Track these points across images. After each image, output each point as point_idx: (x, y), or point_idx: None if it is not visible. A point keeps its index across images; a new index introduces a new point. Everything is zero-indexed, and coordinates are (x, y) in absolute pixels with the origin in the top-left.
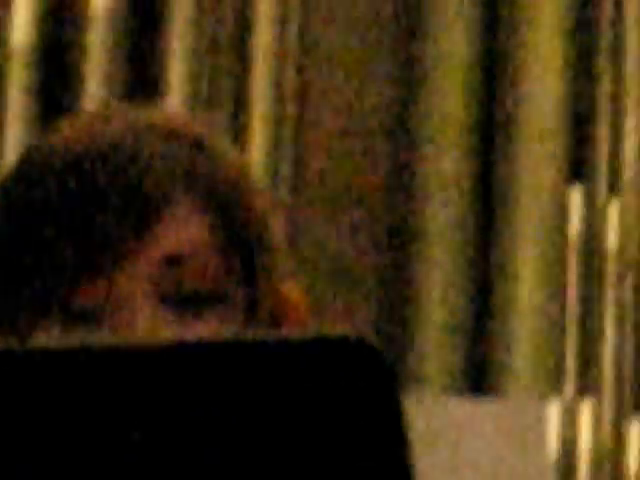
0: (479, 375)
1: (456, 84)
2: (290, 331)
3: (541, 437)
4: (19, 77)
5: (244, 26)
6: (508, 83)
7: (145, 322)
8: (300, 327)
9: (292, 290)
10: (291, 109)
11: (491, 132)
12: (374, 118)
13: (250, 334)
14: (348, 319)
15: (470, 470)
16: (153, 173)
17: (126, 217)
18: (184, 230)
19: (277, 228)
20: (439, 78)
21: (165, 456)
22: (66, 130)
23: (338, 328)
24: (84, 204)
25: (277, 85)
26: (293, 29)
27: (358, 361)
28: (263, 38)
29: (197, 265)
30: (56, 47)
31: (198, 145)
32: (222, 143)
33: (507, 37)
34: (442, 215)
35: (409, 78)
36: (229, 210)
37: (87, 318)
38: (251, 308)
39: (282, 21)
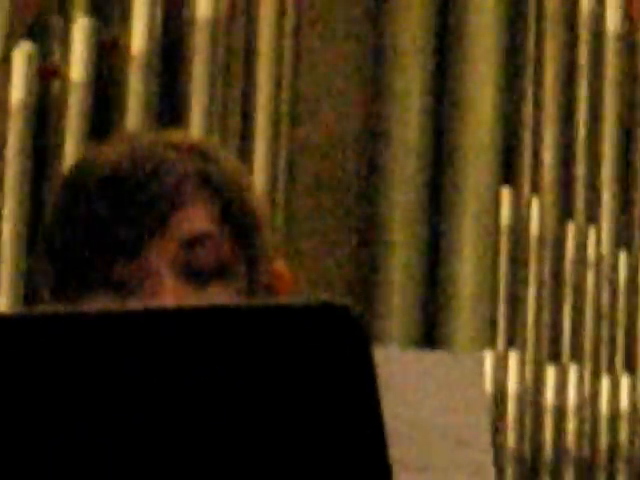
0: (429, 331)
1: (414, 110)
2: (282, 299)
3: (479, 382)
4: (77, 106)
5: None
6: (454, 106)
7: (168, 290)
8: (288, 296)
9: (282, 267)
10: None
11: (441, 145)
12: (349, 133)
13: (246, 302)
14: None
15: (413, 415)
16: (173, 178)
17: (153, 210)
18: (197, 220)
19: (269, 218)
20: (401, 105)
21: (167, 409)
22: (108, 146)
23: (324, 296)
24: (120, 201)
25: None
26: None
27: (340, 323)
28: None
29: (208, 247)
30: (103, 82)
31: (207, 156)
32: (226, 155)
33: (453, 71)
34: (404, 209)
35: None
36: (232, 205)
37: (123, 289)
38: (250, 281)
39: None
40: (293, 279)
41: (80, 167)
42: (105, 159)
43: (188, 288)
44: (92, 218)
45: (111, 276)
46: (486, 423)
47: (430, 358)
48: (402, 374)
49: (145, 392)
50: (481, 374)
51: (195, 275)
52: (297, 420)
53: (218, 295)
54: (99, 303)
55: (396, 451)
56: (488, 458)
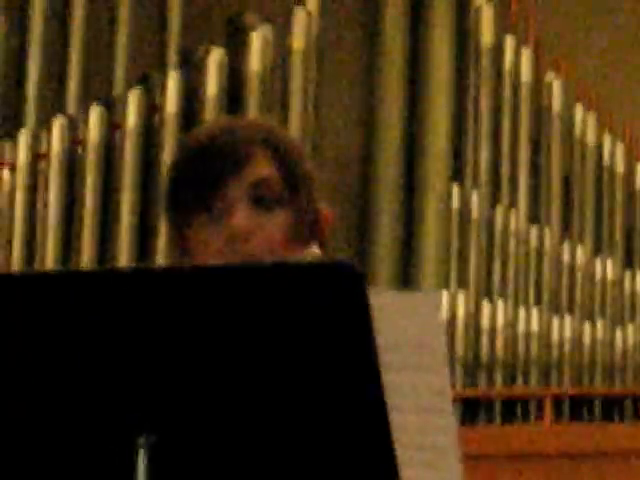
0: (406, 277)
1: (394, 133)
2: (294, 259)
3: (438, 313)
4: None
5: None
6: (418, 119)
7: (241, 213)
8: (327, 231)
9: (325, 209)
10: None
11: (412, 155)
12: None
13: (269, 261)
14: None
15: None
16: (246, 141)
17: (232, 161)
18: (261, 168)
19: (314, 174)
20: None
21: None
22: (207, 124)
23: (331, 257)
24: (211, 155)
25: None
26: None
27: (346, 277)
28: None
29: (268, 186)
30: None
31: (270, 130)
32: (286, 132)
33: (420, 106)
34: (386, 198)
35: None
36: (285, 161)
37: (213, 212)
38: (297, 212)
39: None
40: (332, 217)
41: (188, 136)
42: (203, 130)
43: (255, 212)
44: (193, 166)
45: (204, 203)
46: (444, 345)
47: (401, 296)
48: (381, 310)
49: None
50: (439, 307)
51: (259, 204)
52: (314, 348)
53: (273, 218)
54: (199, 222)
55: None
56: (445, 379)
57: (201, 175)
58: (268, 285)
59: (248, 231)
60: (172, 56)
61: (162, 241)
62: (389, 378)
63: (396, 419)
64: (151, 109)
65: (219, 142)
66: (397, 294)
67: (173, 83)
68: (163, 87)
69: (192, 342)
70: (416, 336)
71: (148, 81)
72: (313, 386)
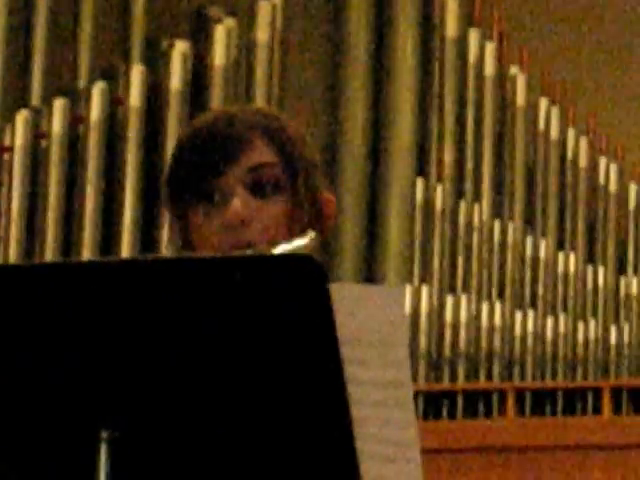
0: (369, 269)
1: (359, 128)
2: (257, 251)
3: (401, 307)
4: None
5: None
6: (383, 112)
7: (239, 200)
8: (330, 218)
9: (329, 195)
10: None
11: (377, 150)
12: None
13: (231, 253)
14: None
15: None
16: (244, 128)
17: (230, 147)
18: (260, 155)
19: (316, 160)
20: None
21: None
22: (206, 113)
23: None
24: (210, 142)
25: None
26: None
27: (306, 272)
28: None
29: (266, 173)
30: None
31: (270, 116)
32: (286, 118)
33: (386, 101)
34: (354, 191)
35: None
36: (285, 147)
37: (211, 200)
38: (295, 198)
39: None
40: (335, 203)
41: (188, 125)
42: (202, 119)
43: (253, 199)
44: (192, 154)
45: (203, 192)
46: (405, 339)
47: (363, 290)
48: (343, 304)
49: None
50: (401, 301)
51: (257, 191)
52: (276, 341)
53: (272, 204)
54: (198, 211)
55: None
56: (406, 373)
57: (199, 164)
58: (228, 278)
59: (245, 218)
60: (136, 49)
61: (127, 233)
62: (350, 372)
63: (357, 412)
64: (115, 102)
65: (217, 130)
66: (359, 288)
67: (137, 76)
68: (127, 80)
69: (153, 335)
70: (378, 330)
71: (112, 74)
72: (274, 380)
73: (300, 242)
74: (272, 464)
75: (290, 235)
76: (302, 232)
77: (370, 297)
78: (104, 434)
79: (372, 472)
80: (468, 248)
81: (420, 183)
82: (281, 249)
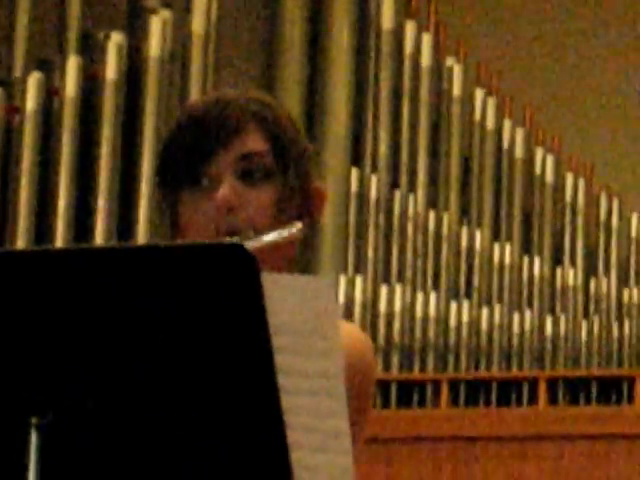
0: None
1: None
2: (243, 238)
3: (332, 301)
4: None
5: None
6: (318, 103)
7: (228, 186)
8: (321, 207)
9: (320, 185)
10: None
11: (311, 139)
12: None
13: (161, 243)
14: None
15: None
16: (236, 114)
17: (221, 133)
18: (251, 142)
19: (307, 149)
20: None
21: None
22: (202, 96)
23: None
24: (202, 127)
25: None
26: None
27: (238, 262)
28: None
29: (257, 160)
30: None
31: (263, 103)
32: (279, 105)
33: (321, 91)
34: None
35: None
36: (276, 135)
37: (201, 185)
38: (285, 186)
39: None
40: (325, 192)
41: (183, 108)
42: (197, 103)
43: (242, 186)
44: (183, 139)
45: (193, 177)
46: (337, 329)
47: (295, 280)
48: (274, 294)
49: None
50: (333, 291)
51: (247, 178)
52: (207, 330)
53: (261, 191)
54: (187, 196)
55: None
56: (337, 363)
57: (190, 149)
58: (159, 267)
59: (233, 204)
60: (72, 40)
61: (61, 221)
62: (281, 361)
63: (287, 402)
64: (51, 92)
65: (209, 115)
66: (290, 278)
67: (73, 67)
68: (63, 71)
69: (83, 323)
70: (308, 320)
71: (48, 65)
72: (205, 369)
73: (284, 232)
74: (203, 453)
75: (278, 224)
76: (290, 221)
77: (301, 287)
78: (34, 420)
79: (303, 462)
80: (403, 238)
81: (355, 173)
82: (266, 237)
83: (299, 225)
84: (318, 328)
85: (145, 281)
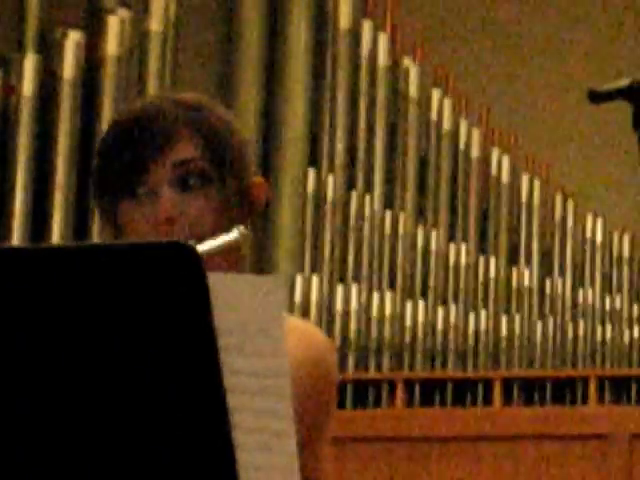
0: (260, 256)
1: (252, 124)
2: (132, 241)
3: (279, 301)
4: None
5: None
6: (276, 103)
7: (164, 196)
8: (262, 200)
9: (259, 179)
10: None
11: (269, 140)
12: None
13: (107, 243)
14: None
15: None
16: (170, 122)
17: (156, 142)
18: (186, 150)
19: (248, 151)
20: None
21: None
22: (135, 102)
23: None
24: (136, 137)
25: None
26: None
27: (183, 261)
28: None
29: (192, 168)
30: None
31: (197, 108)
32: (215, 108)
33: (279, 95)
34: None
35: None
36: (212, 141)
37: (137, 196)
38: (222, 192)
39: None
40: (266, 187)
41: (115, 116)
42: (129, 110)
43: (178, 195)
44: (118, 149)
45: (129, 187)
46: (284, 329)
47: (242, 280)
48: (220, 293)
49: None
50: (282, 291)
51: (183, 186)
52: (152, 331)
53: (200, 199)
54: (124, 206)
55: None
56: (283, 363)
57: (124, 160)
58: (102, 266)
59: (172, 215)
60: (30, 38)
61: (18, 222)
62: (226, 361)
63: (233, 401)
64: (7, 91)
65: (140, 125)
66: (237, 277)
67: (30, 65)
68: (20, 69)
69: (28, 322)
70: (255, 319)
71: (5, 63)
72: (150, 368)
73: (226, 237)
74: (148, 454)
75: (220, 229)
76: (231, 225)
77: (248, 286)
78: None
79: (247, 461)
80: (359, 238)
81: (311, 173)
82: (207, 245)
83: (242, 228)
84: (265, 327)
85: (87, 281)
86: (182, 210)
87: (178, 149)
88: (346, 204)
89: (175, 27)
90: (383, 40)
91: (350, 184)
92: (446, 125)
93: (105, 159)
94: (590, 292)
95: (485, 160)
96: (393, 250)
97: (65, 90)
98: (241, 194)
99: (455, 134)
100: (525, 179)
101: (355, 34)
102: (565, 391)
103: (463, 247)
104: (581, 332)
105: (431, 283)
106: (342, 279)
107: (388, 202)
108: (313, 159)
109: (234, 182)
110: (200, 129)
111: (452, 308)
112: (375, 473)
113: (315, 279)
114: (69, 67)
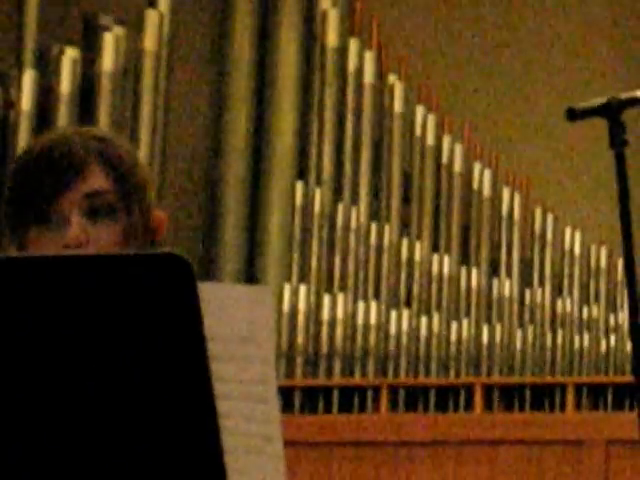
0: (250, 268)
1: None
2: (124, 251)
3: (267, 310)
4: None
5: None
6: (265, 118)
7: (74, 224)
8: (162, 233)
9: (160, 213)
10: None
11: (260, 154)
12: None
13: (101, 253)
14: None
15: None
16: (78, 154)
17: (67, 174)
18: (95, 181)
19: (149, 183)
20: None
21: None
22: (44, 135)
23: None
24: (46, 168)
25: None
26: None
27: (174, 270)
28: None
29: (101, 198)
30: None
31: (105, 141)
32: (122, 142)
33: (267, 91)
34: (232, 194)
35: None
36: (120, 172)
37: (49, 223)
38: (129, 221)
39: None
40: (167, 221)
41: (25, 149)
42: (39, 143)
43: (88, 223)
44: (28, 179)
45: (41, 216)
46: (271, 337)
47: (231, 289)
48: (210, 303)
49: None
50: (268, 300)
51: (93, 215)
52: (143, 339)
53: (107, 227)
54: (35, 233)
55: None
56: (270, 369)
57: (36, 189)
58: (95, 275)
59: (81, 242)
60: (28, 54)
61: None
62: (216, 368)
63: (221, 407)
64: (7, 105)
65: (53, 156)
66: (226, 287)
67: (29, 80)
68: (19, 84)
69: (20, 330)
70: (243, 328)
71: (4, 78)
72: (141, 375)
73: None
74: (139, 458)
75: None
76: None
77: (237, 296)
78: None
79: (235, 465)
80: (345, 249)
81: (300, 186)
82: None
83: None
84: (253, 335)
85: (80, 290)
86: (91, 238)
87: (89, 180)
88: (333, 216)
89: (168, 45)
90: (369, 58)
91: (337, 197)
92: (430, 140)
93: (18, 185)
94: (568, 302)
95: (467, 174)
96: (378, 261)
97: (62, 105)
98: (144, 223)
99: (438, 149)
100: (506, 193)
101: (342, 52)
102: (544, 398)
103: (446, 258)
104: (559, 341)
105: (415, 293)
106: (329, 289)
107: (374, 214)
108: (301, 172)
109: (139, 212)
110: (109, 161)
111: (435, 317)
112: (360, 477)
113: (303, 288)
114: (66, 83)
